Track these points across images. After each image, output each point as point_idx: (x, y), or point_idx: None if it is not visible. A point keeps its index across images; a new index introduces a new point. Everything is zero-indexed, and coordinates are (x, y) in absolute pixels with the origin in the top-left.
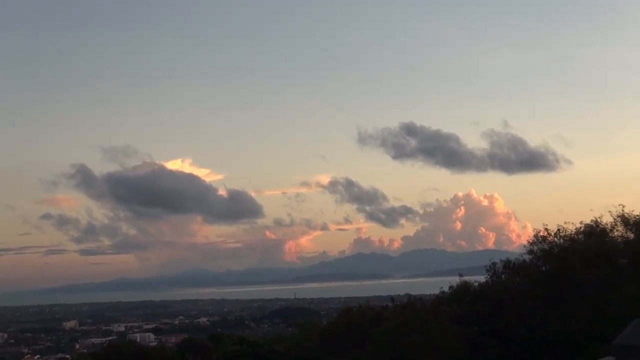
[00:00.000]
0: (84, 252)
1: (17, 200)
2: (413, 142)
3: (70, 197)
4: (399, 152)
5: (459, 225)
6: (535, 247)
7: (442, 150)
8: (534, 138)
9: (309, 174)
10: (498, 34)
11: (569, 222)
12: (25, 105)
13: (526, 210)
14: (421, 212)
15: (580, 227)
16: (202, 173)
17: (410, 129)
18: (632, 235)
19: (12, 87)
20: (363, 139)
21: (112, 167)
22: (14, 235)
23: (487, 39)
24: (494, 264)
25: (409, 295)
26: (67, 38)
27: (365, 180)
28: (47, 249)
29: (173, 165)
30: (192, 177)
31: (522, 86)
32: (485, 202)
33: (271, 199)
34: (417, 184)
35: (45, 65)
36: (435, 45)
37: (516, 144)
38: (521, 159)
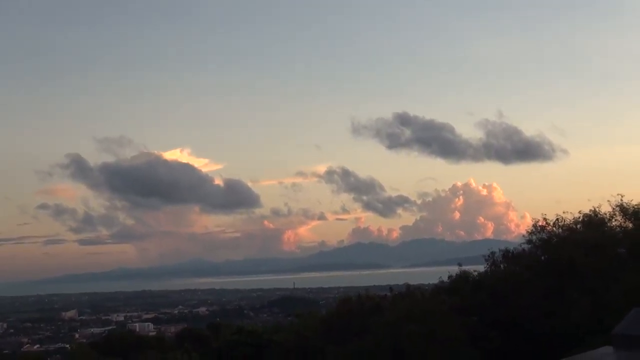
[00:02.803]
0: (82, 242)
1: (13, 190)
2: (407, 132)
3: (66, 187)
4: (394, 142)
5: (457, 215)
6: (534, 237)
7: (437, 140)
8: (528, 128)
9: (305, 164)
10: (492, 23)
11: (567, 212)
12: (16, 96)
13: (523, 200)
14: (418, 201)
15: (579, 217)
16: (201, 163)
17: (403, 119)
18: (630, 225)
19: (3, 78)
20: (357, 129)
21: (107, 158)
22: (12, 225)
23: (480, 29)
24: (492, 253)
25: (407, 285)
26: (59, 29)
27: (361, 170)
28: (46, 238)
29: (172, 155)
30: (188, 167)
31: (516, 76)
32: (484, 192)
33: (268, 188)
34: (413, 174)
35: (36, 55)
36: (428, 35)
37: (511, 133)
38: (517, 148)
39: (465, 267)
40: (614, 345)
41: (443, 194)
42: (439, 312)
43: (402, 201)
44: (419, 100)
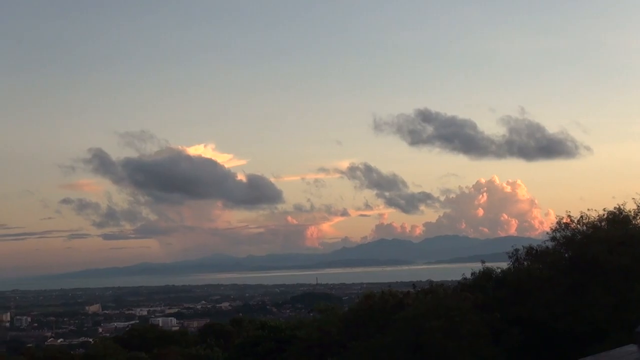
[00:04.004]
0: (106, 237)
1: (36, 185)
2: (429, 129)
3: (89, 182)
4: (415, 139)
5: (481, 212)
6: (558, 234)
7: (459, 137)
8: (551, 125)
9: (327, 160)
10: (514, 18)
11: (591, 209)
12: (37, 90)
13: (547, 197)
14: (442, 198)
15: (603, 215)
16: (225, 158)
17: (425, 115)
18: None
19: (24, 72)
20: (378, 125)
21: (130, 152)
22: (36, 219)
23: (502, 24)
24: (516, 250)
25: (430, 282)
26: (81, 23)
27: (383, 166)
28: (70, 233)
29: (196, 150)
30: (210, 162)
31: (538, 72)
32: (508, 189)
33: (290, 184)
34: (435, 170)
35: (56, 50)
36: (449, 30)
37: (534, 130)
38: (540, 145)
39: (489, 264)
40: (638, 343)
41: (467, 191)
42: (461, 308)
43: (425, 197)
44: (440, 96)
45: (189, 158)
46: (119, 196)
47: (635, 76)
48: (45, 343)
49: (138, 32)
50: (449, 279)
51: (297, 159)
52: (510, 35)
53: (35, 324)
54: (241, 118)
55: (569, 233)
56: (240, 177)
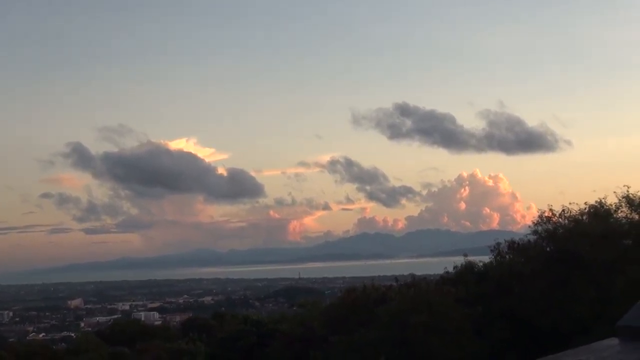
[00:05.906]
0: (88, 231)
1: (15, 179)
2: (408, 123)
3: (69, 176)
4: (395, 133)
5: (463, 206)
6: (540, 228)
7: (438, 130)
8: (530, 119)
9: (307, 154)
10: (492, 12)
11: (573, 203)
12: (13, 85)
13: (528, 191)
14: (423, 192)
15: (585, 208)
16: (207, 152)
17: (404, 110)
18: (637, 217)
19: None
20: (357, 120)
21: (109, 147)
22: (17, 214)
23: (480, 18)
24: (498, 244)
25: (413, 276)
26: (59, 16)
27: (364, 160)
28: (51, 227)
29: (177, 144)
30: (191, 157)
31: (517, 65)
32: (490, 182)
33: (271, 178)
34: (415, 164)
35: (35, 44)
36: (427, 24)
37: (514, 124)
38: (519, 139)
39: (471, 258)
40: (619, 336)
41: (448, 185)
42: (445, 302)
43: (406, 191)
44: (419, 90)
45: (169, 152)
46: (100, 190)
47: (614, 70)
48: (27, 338)
49: (116, 26)
50: (432, 273)
51: (277, 153)
52: (488, 29)
53: (17, 319)
54: (222, 113)
55: (550, 227)
56: (221, 171)
